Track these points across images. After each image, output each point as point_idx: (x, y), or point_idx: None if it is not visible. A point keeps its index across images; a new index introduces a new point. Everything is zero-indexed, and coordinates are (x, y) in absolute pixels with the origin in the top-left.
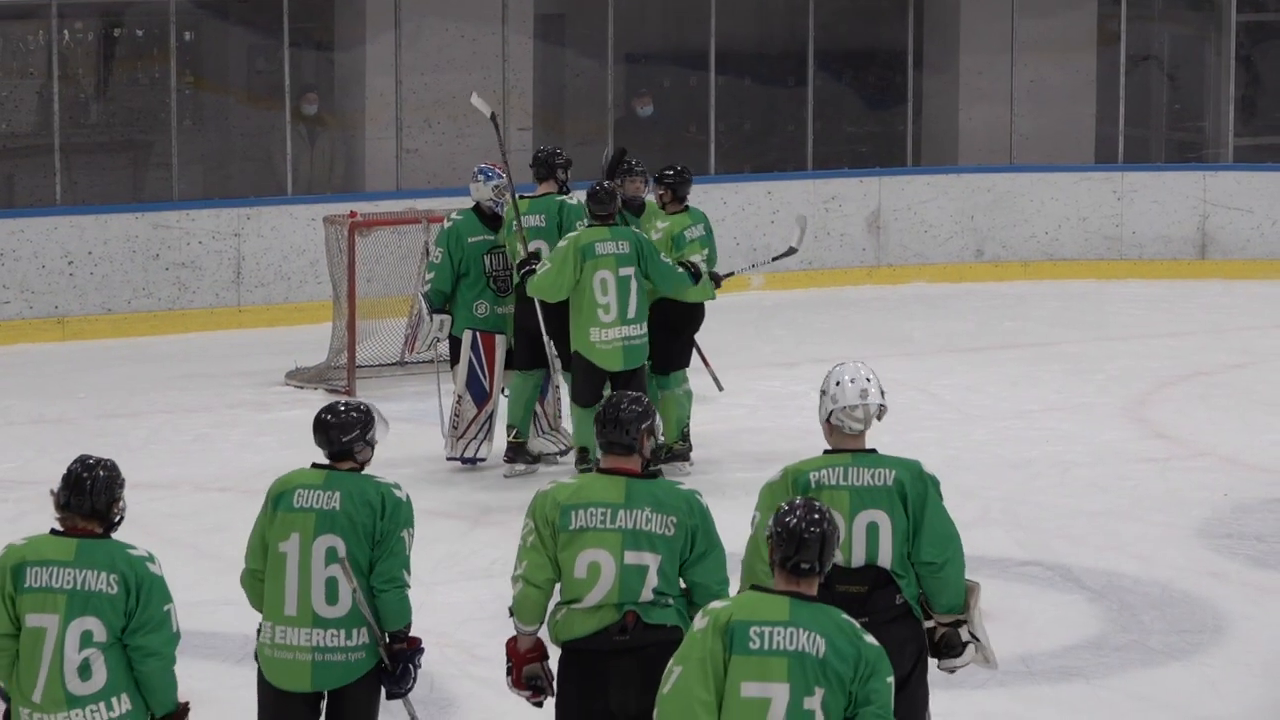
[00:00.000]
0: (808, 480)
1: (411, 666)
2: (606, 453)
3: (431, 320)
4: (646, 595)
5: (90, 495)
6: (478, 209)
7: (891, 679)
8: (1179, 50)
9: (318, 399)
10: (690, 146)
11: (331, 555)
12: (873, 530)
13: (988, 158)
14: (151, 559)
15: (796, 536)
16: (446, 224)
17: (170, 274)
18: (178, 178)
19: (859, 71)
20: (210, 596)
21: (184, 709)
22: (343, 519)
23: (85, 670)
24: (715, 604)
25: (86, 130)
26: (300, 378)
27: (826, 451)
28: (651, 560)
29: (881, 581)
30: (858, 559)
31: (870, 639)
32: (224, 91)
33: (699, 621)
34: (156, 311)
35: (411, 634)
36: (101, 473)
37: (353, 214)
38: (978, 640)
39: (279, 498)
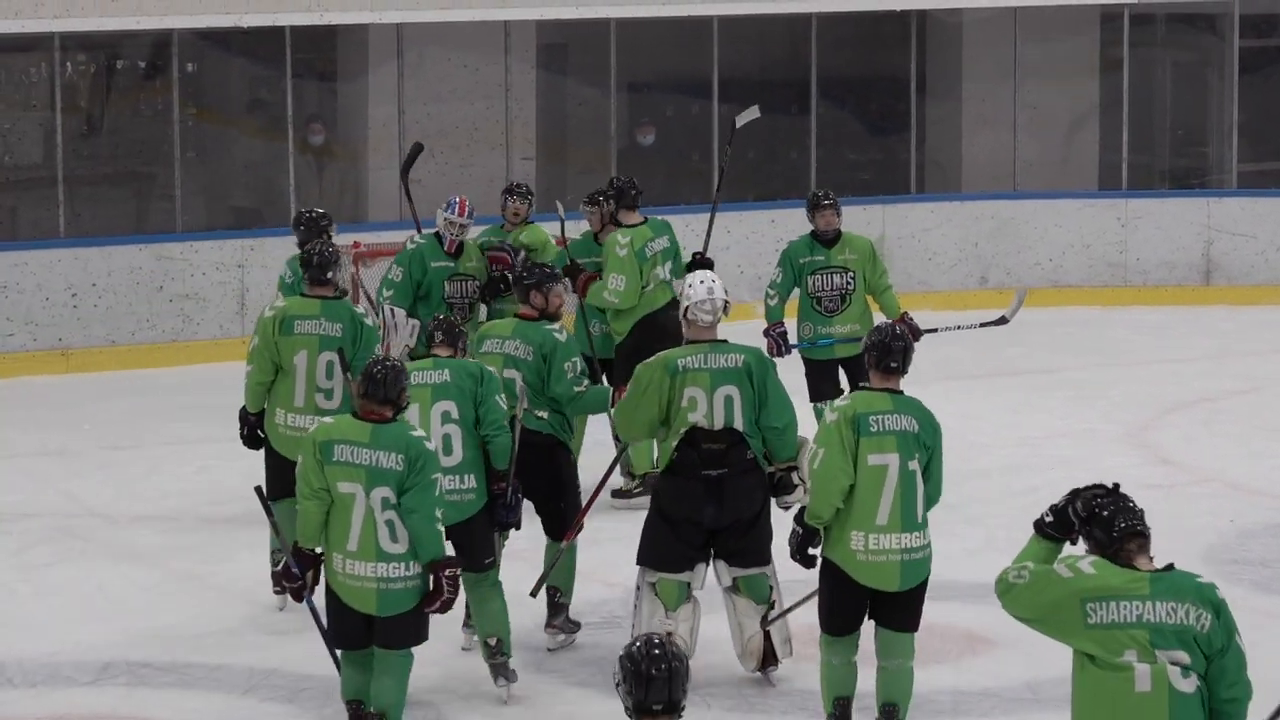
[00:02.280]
0: (676, 364)
1: (520, 496)
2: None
3: (406, 324)
4: (523, 402)
5: (386, 388)
6: (438, 235)
7: (942, 442)
8: (1182, 76)
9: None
10: (693, 175)
11: (446, 418)
12: (728, 401)
13: (991, 185)
14: (427, 438)
15: (888, 346)
16: (410, 245)
17: (174, 305)
18: (181, 209)
19: (862, 99)
20: (215, 628)
21: (450, 562)
22: (453, 388)
23: (393, 532)
24: (840, 402)
25: (89, 162)
26: None
27: (688, 342)
28: (517, 375)
29: (735, 440)
30: (718, 423)
31: (934, 416)
32: (226, 123)
33: (830, 415)
34: (160, 343)
35: (418, 663)
36: (391, 371)
37: (356, 244)
38: (804, 482)
39: None
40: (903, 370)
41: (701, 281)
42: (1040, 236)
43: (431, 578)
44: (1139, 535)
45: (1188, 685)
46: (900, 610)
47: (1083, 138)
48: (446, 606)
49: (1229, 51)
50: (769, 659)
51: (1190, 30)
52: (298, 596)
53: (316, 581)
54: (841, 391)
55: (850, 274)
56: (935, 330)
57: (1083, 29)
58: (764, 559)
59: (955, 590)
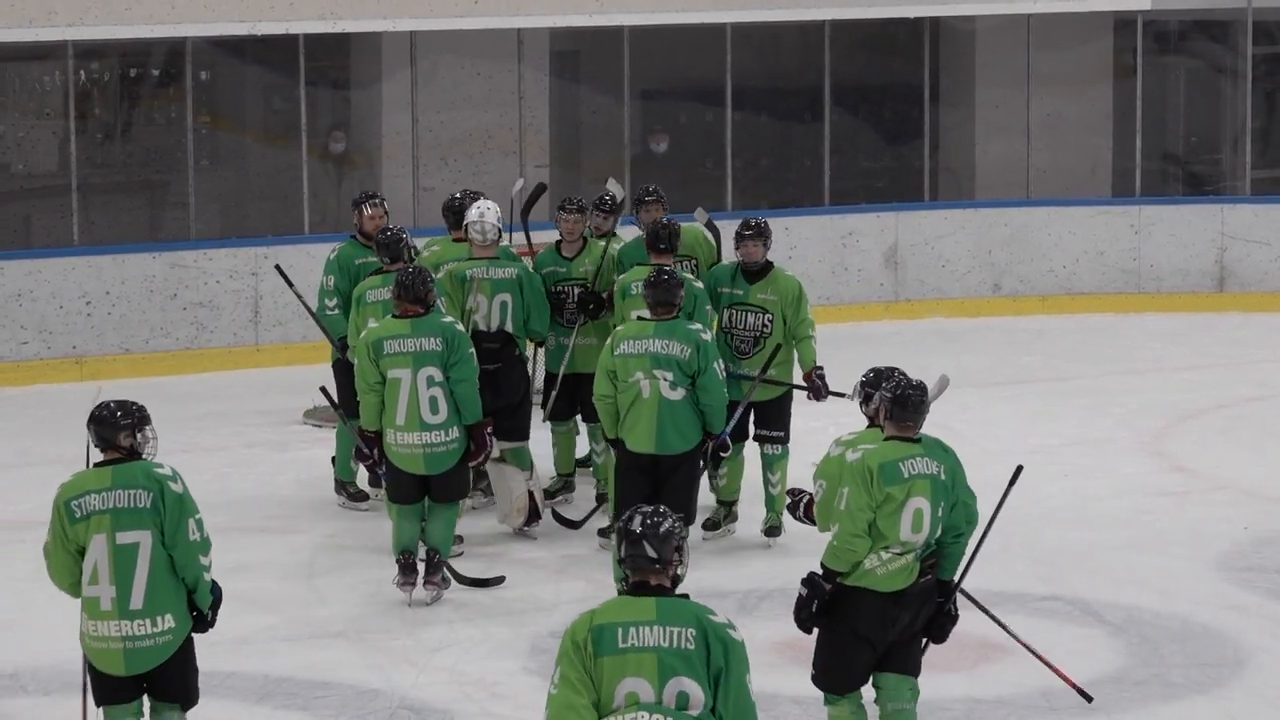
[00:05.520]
0: (464, 275)
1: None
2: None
3: None
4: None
5: (415, 289)
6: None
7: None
8: (1195, 83)
9: (335, 438)
10: (707, 182)
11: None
12: (504, 307)
13: (1004, 192)
14: (458, 322)
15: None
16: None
17: (188, 314)
18: (195, 217)
19: (875, 106)
20: (229, 636)
21: (487, 423)
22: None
23: (434, 405)
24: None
25: (103, 170)
26: (318, 416)
27: (471, 257)
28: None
29: (506, 340)
30: (494, 325)
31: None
32: (241, 131)
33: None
34: (174, 351)
35: (431, 670)
36: (418, 275)
37: None
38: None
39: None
40: (672, 250)
41: (477, 208)
42: (1054, 244)
43: (472, 435)
44: (660, 305)
45: (675, 395)
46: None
47: (1096, 144)
48: (485, 459)
49: (1242, 59)
50: (531, 517)
51: (1204, 37)
52: (373, 471)
53: (383, 457)
54: (746, 435)
55: (768, 315)
56: (843, 395)
57: (1096, 36)
58: (524, 435)
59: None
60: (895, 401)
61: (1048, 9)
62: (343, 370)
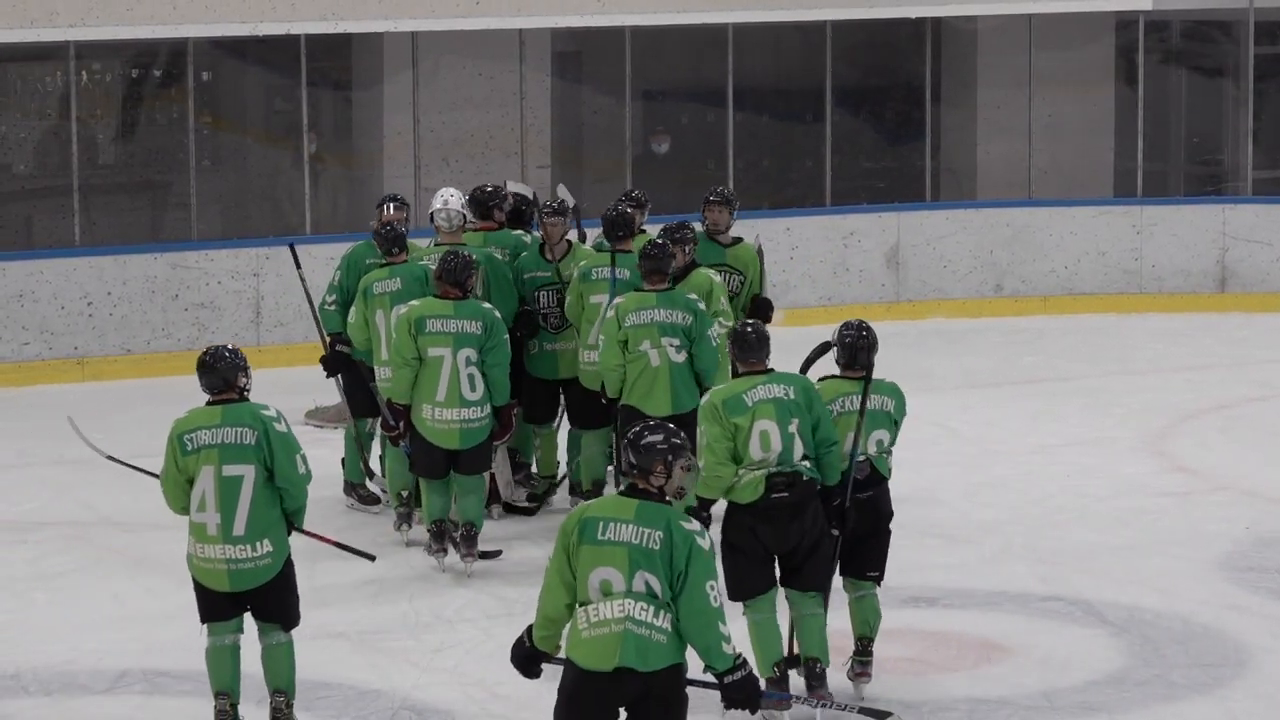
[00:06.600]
0: (425, 270)
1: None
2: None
3: None
4: None
5: (457, 273)
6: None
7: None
8: (1197, 83)
9: (338, 439)
10: (708, 183)
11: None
12: None
13: (1006, 192)
14: (496, 310)
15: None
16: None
17: (189, 314)
18: (196, 218)
19: (877, 107)
20: None
21: (513, 405)
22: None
23: (472, 383)
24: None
25: (105, 171)
26: (321, 417)
27: (436, 244)
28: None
29: None
30: None
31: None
32: (242, 131)
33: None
34: (176, 352)
35: (433, 670)
36: (461, 260)
37: None
38: None
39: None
40: (630, 236)
41: (441, 196)
42: (1055, 244)
43: (500, 416)
44: (654, 273)
45: (680, 357)
46: None
47: (1098, 145)
48: (509, 438)
49: (1244, 58)
50: (493, 498)
51: (1205, 37)
52: (395, 442)
53: (408, 429)
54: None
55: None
56: None
57: (1098, 36)
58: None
59: (971, 598)
60: (734, 342)
61: (1049, 9)
62: (330, 365)
